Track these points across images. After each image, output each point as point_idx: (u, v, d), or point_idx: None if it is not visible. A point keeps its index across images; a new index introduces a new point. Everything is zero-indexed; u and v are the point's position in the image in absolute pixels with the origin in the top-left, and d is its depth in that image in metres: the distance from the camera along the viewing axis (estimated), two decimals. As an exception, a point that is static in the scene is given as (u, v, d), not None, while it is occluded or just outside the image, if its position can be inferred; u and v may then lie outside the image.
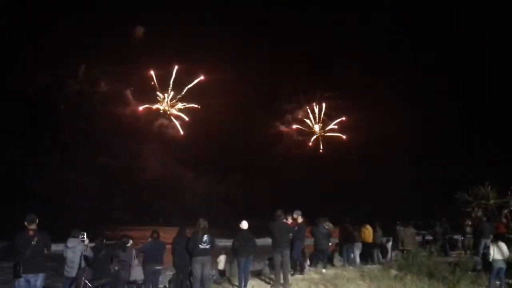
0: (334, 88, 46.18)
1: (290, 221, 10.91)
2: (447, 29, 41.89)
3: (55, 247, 7.40)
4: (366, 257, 13.53)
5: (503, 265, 10.02)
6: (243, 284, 9.15)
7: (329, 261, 12.73)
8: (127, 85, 42.49)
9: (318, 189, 42.96)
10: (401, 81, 43.46)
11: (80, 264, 8.28)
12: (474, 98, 40.11)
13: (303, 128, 50.13)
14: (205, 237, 8.46)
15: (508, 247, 10.20)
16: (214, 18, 44.48)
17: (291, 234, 10.06)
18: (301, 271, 10.80)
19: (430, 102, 42.27)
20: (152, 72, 42.19)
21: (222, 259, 12.58)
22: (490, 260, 10.10)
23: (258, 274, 11.22)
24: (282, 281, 9.35)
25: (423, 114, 43.04)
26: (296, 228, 10.69)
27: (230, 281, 10.42)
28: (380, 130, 42.66)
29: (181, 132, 43.86)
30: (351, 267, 12.20)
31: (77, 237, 8.39)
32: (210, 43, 41.73)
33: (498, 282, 10.09)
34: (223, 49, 41.25)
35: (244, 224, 9.47)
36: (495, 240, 10.45)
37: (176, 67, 42.38)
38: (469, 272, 10.78)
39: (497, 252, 10.04)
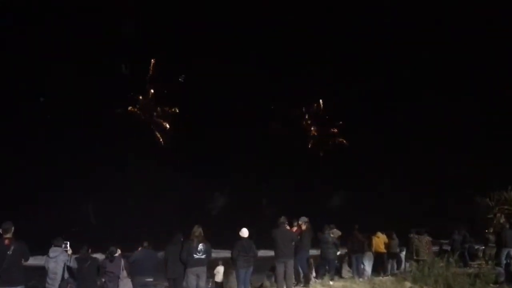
0: (334, 90, 45.06)
1: (294, 228, 10.38)
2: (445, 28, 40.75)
3: (33, 260, 6.89)
4: (378, 267, 12.85)
5: (528, 277, 9.23)
6: (242, 298, 8.58)
7: (337, 273, 12.15)
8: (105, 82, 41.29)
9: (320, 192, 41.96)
10: (411, 78, 42.43)
11: (63, 275, 7.81)
12: (495, 95, 38.75)
13: (302, 129, 49.17)
14: (200, 246, 8.08)
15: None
16: (203, 12, 43.55)
17: (293, 243, 9.44)
18: (306, 283, 10.08)
19: (446, 101, 40.98)
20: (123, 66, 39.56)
21: (219, 271, 12.12)
22: (514, 271, 9.35)
23: (260, 285, 10.65)
24: None
25: (439, 113, 41.70)
26: (298, 236, 10.03)
27: (228, 294, 9.85)
28: (390, 130, 41.75)
29: (161, 140, 42.44)
30: (360, 279, 11.50)
31: (60, 246, 7.93)
32: (197, 40, 40.92)
33: (523, 296, 9.31)
34: (212, 46, 40.52)
35: (244, 232, 9.03)
36: (519, 250, 9.69)
37: (153, 62, 40.83)
38: (491, 285, 10.12)
39: (522, 263, 9.27)
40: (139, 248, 8.68)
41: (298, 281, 10.14)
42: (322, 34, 42.44)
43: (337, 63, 42.27)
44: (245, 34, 41.37)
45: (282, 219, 9.42)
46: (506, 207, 15.77)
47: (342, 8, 41.92)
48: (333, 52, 43.05)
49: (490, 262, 14.51)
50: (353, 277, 11.76)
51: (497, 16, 35.85)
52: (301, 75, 43.30)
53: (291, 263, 9.11)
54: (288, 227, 9.86)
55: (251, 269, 8.93)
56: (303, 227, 10.43)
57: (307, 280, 10.19)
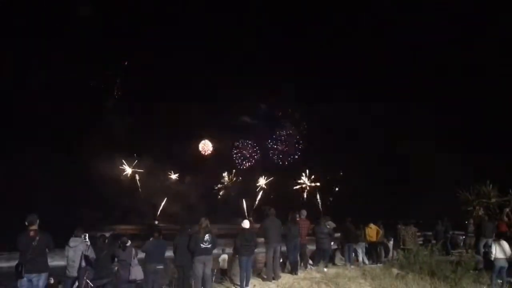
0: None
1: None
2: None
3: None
4: (373, 256, 13.51)
5: (505, 264, 10.01)
6: (244, 283, 9.14)
7: (331, 260, 12.72)
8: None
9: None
10: (402, 76, 43.24)
11: (80, 263, 8.28)
12: (475, 95, 39.80)
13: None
14: (207, 236, 8.51)
15: (510, 246, 10.18)
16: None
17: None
18: (294, 271, 10.63)
19: (430, 100, 41.95)
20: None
21: (223, 258, 12.53)
22: (492, 259, 10.09)
23: (259, 273, 11.17)
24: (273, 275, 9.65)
25: (423, 112, 42.68)
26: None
27: (231, 281, 10.38)
28: (380, 128, 42.58)
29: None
30: (352, 266, 12.16)
31: (80, 236, 8.39)
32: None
33: (500, 281, 10.08)
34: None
35: (246, 224, 9.51)
36: (497, 239, 10.46)
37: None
38: (471, 271, 10.72)
39: (499, 251, 10.03)
40: (151, 239, 9.17)
41: (295, 269, 10.72)
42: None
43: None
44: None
45: (272, 210, 10.08)
46: (484, 200, 16.40)
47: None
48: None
49: (470, 250, 15.45)
50: (345, 265, 12.40)
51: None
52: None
53: (278, 249, 9.89)
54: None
55: (252, 257, 9.47)
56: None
57: (294, 269, 10.66)
